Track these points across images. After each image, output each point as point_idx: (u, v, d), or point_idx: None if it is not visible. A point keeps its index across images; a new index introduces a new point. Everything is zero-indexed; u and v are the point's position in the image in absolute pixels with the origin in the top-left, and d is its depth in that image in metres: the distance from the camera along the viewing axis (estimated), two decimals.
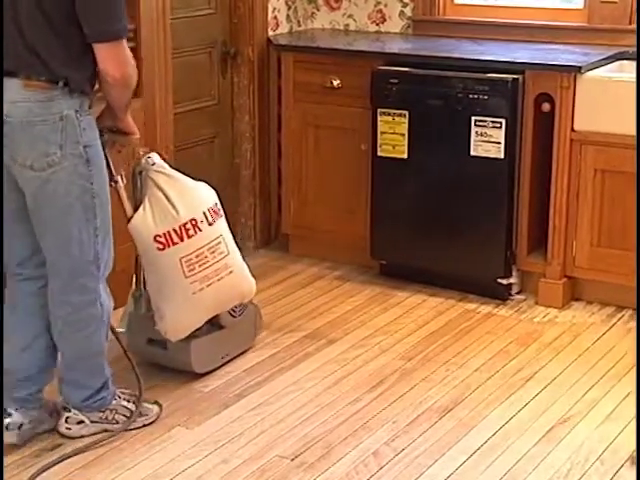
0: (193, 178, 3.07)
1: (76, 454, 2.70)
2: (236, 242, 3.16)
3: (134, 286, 3.15)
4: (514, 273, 3.83)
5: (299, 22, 4.48)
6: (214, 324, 3.17)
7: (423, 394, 3.08)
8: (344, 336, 3.51)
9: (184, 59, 3.98)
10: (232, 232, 3.15)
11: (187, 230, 2.93)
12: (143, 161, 2.95)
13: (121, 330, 3.10)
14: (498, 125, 3.63)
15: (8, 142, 2.52)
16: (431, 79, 3.75)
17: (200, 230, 2.96)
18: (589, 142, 3.57)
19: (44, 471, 2.62)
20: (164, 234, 2.90)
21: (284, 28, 4.38)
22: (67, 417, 2.80)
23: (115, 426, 2.81)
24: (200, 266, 2.96)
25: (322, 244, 4.20)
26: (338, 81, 3.97)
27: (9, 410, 2.72)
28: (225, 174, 4.34)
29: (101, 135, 2.66)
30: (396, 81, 3.78)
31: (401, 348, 3.41)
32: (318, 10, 4.49)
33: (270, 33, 4.28)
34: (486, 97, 3.63)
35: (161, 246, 2.90)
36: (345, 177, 4.06)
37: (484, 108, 3.63)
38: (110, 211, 2.71)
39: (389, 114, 3.81)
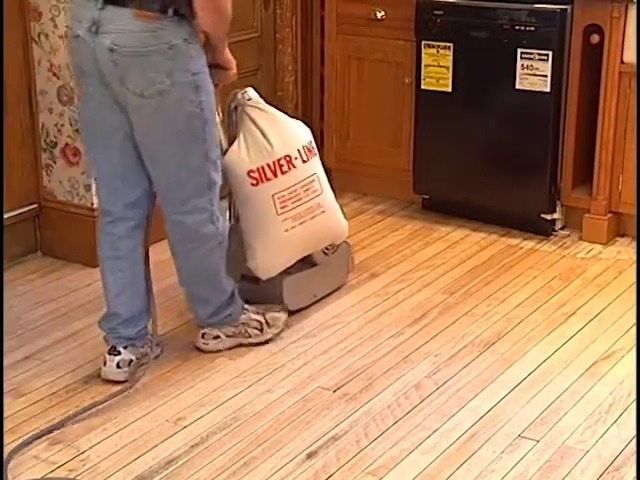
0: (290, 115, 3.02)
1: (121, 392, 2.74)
2: None
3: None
4: (558, 208, 3.80)
5: None
6: (306, 262, 3.15)
7: (465, 328, 3.09)
8: (386, 270, 3.51)
9: None
10: (326, 172, 3.10)
11: (281, 166, 2.91)
12: (239, 96, 2.93)
13: None
14: (545, 57, 3.57)
15: (118, 70, 2.53)
16: (476, 10, 3.69)
17: (294, 167, 2.94)
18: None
19: (94, 407, 2.63)
20: (258, 169, 2.89)
21: None
22: (203, 333, 2.92)
23: (249, 340, 2.93)
24: (293, 203, 2.95)
25: (364, 178, 4.18)
26: (382, 13, 3.92)
27: (118, 348, 2.76)
28: None
29: None
30: (441, 12, 3.72)
31: (443, 283, 3.41)
32: None
33: None
34: (533, 28, 3.56)
35: (254, 181, 2.90)
36: (388, 111, 4.02)
37: (530, 40, 3.57)
38: (218, 136, 2.73)
39: (433, 46, 3.76)
